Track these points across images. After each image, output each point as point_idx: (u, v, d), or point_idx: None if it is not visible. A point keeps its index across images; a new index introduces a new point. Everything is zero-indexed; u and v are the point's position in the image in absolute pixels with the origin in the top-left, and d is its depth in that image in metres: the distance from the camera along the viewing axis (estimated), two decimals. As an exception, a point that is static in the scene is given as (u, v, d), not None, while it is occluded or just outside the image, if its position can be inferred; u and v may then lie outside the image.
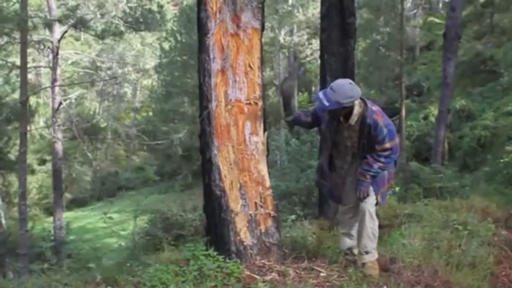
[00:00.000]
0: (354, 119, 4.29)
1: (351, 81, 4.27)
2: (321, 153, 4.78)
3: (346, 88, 4.17)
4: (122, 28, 19.39)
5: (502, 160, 15.93)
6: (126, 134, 32.54)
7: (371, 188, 4.37)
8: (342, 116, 4.31)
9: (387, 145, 4.27)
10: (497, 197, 10.46)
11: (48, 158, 31.08)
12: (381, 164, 4.31)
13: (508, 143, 16.98)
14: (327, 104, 4.15)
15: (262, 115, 4.71)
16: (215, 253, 4.31)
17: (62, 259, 12.21)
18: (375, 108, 4.32)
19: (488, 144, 18.07)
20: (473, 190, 11.92)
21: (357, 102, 4.25)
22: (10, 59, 21.90)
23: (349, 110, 4.25)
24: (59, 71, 18.47)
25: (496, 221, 6.03)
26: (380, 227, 6.30)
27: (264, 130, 4.73)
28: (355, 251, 4.58)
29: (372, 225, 4.41)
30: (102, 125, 23.34)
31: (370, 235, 4.40)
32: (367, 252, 4.42)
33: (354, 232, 4.59)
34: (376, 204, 4.46)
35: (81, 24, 17.88)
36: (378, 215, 6.41)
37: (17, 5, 16.27)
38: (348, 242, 4.64)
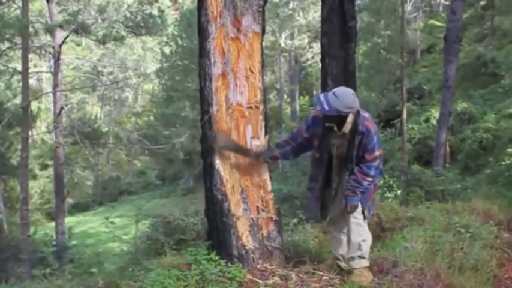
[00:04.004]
0: (347, 127, 4.26)
1: (353, 92, 4.25)
2: (315, 173, 4.62)
3: (349, 98, 4.15)
4: (123, 33, 19.45)
5: (504, 162, 15.90)
6: (128, 139, 32.50)
7: (359, 203, 4.37)
8: (334, 124, 4.28)
9: (377, 153, 4.26)
10: (499, 200, 10.43)
11: (50, 163, 31.14)
12: (370, 179, 4.29)
13: (510, 145, 16.95)
14: (326, 108, 4.11)
15: (263, 119, 4.71)
16: (217, 257, 4.30)
17: (64, 264, 12.18)
18: (366, 115, 4.32)
19: (490, 146, 18.04)
20: (475, 193, 11.90)
21: None
22: (11, 65, 22.00)
23: (344, 119, 4.23)
24: (60, 76, 18.50)
25: (499, 224, 6.01)
26: (382, 230, 6.33)
27: (265, 134, 4.73)
28: (345, 257, 4.56)
29: (359, 237, 4.40)
30: (103, 130, 23.32)
31: (357, 244, 4.39)
32: (352, 259, 4.40)
33: (345, 236, 4.58)
34: (364, 218, 4.44)
35: (82, 29, 17.93)
36: (379, 219, 6.45)
37: (18, 11, 16.33)
38: (339, 248, 4.62)
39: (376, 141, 4.25)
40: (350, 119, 4.24)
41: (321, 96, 4.21)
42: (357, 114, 4.25)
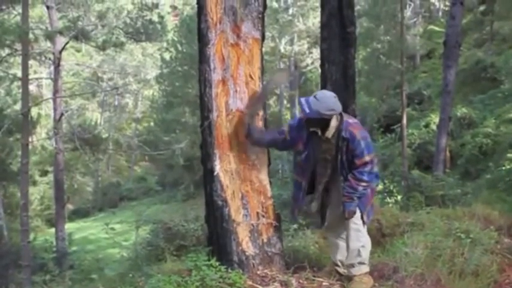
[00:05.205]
0: (330, 131, 4.25)
1: (335, 95, 4.24)
2: (298, 178, 4.59)
3: (329, 100, 4.16)
4: (123, 39, 19.49)
5: (503, 167, 15.92)
6: (128, 145, 32.61)
7: (358, 208, 4.35)
8: (318, 128, 4.26)
9: (367, 158, 4.22)
10: (499, 205, 10.46)
11: (50, 169, 31.16)
12: (364, 184, 4.25)
13: (510, 150, 16.96)
14: (307, 110, 4.12)
15: (263, 125, 4.71)
16: (217, 263, 4.30)
17: (64, 270, 12.19)
18: (351, 120, 4.31)
19: (490, 151, 18.06)
20: (475, 198, 11.92)
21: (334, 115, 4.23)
22: (12, 71, 22.02)
23: (326, 122, 4.22)
24: (60, 82, 18.53)
25: (499, 229, 6.00)
26: (382, 235, 6.33)
27: (265, 140, 4.73)
28: (345, 264, 4.55)
29: (358, 242, 4.38)
30: (103, 136, 23.34)
31: (356, 251, 4.37)
32: (352, 266, 4.39)
33: (344, 242, 4.58)
34: (363, 224, 4.43)
35: (82, 36, 17.98)
36: (380, 224, 6.44)
37: (18, 17, 16.35)
38: (338, 254, 4.62)
39: (364, 146, 4.21)
40: (333, 123, 4.23)
41: (303, 100, 4.21)
42: (341, 120, 4.25)
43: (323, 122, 4.21)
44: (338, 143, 4.26)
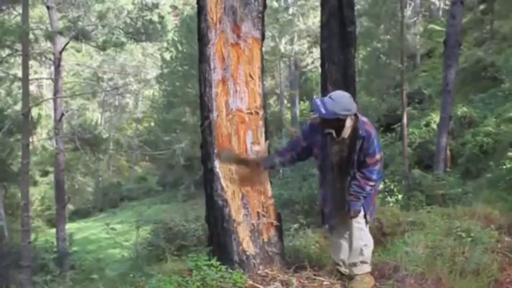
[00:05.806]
0: (346, 132, 4.24)
1: (350, 95, 4.24)
2: (322, 183, 4.60)
3: (345, 100, 4.14)
4: (123, 39, 19.45)
5: (504, 166, 15.90)
6: (128, 145, 32.50)
7: (362, 207, 4.36)
8: (333, 129, 4.25)
9: (377, 156, 4.24)
10: (500, 204, 10.44)
11: (50, 169, 31.15)
12: (372, 183, 4.28)
13: (510, 149, 16.94)
14: (323, 111, 4.10)
15: (263, 124, 4.71)
16: (218, 263, 4.30)
17: (65, 270, 12.19)
18: (365, 119, 4.30)
19: (491, 150, 18.03)
20: (476, 197, 11.90)
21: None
22: (12, 71, 22.04)
23: (341, 123, 4.21)
24: (60, 83, 18.50)
25: (499, 228, 6.01)
26: (383, 234, 6.33)
27: (266, 139, 4.74)
28: (347, 263, 4.55)
29: (361, 241, 4.40)
30: (104, 136, 23.30)
31: (359, 250, 4.38)
32: (354, 265, 4.40)
33: (346, 241, 4.58)
34: (366, 223, 4.44)
35: (82, 36, 17.93)
36: (380, 223, 6.45)
37: (19, 18, 16.35)
38: (340, 253, 4.60)
39: (376, 144, 4.24)
40: (348, 123, 4.22)
41: (318, 101, 4.18)
42: (356, 118, 4.24)
43: (338, 123, 4.20)
44: (353, 142, 4.24)
